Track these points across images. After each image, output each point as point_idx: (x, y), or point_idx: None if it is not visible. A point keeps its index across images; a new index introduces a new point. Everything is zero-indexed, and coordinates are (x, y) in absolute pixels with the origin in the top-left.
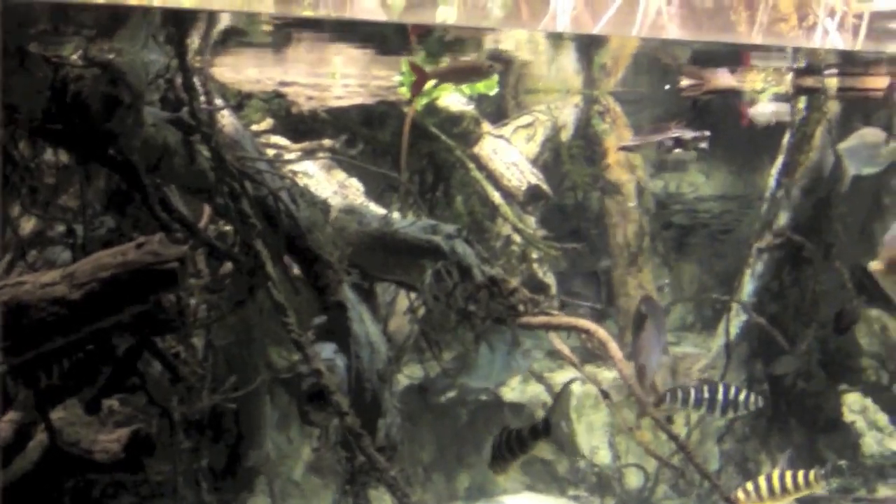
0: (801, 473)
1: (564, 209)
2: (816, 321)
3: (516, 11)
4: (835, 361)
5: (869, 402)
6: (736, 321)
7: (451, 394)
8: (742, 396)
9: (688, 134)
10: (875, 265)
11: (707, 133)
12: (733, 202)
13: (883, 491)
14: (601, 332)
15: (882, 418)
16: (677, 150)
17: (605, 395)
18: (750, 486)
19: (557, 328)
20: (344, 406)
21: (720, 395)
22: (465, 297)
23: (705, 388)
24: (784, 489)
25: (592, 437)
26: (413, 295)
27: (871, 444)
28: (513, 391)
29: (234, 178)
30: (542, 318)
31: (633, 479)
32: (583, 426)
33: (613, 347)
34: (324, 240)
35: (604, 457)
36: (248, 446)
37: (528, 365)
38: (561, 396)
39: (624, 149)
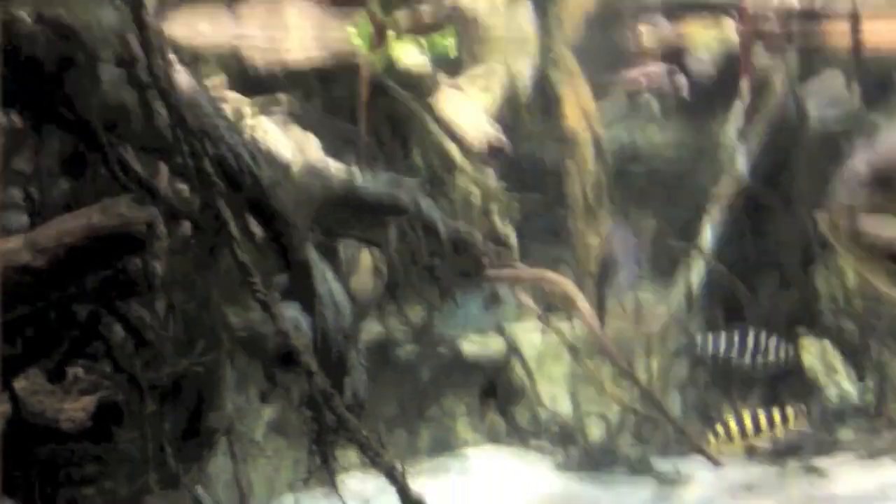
0: (776, 411)
1: (521, 161)
2: (777, 268)
3: None
4: (794, 308)
5: (827, 345)
6: (697, 269)
7: (412, 348)
8: (772, 342)
9: (665, 72)
10: (822, 219)
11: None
12: (687, 150)
13: (843, 433)
14: (568, 285)
15: (837, 361)
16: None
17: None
18: (720, 428)
19: (525, 281)
20: (313, 366)
21: (750, 342)
22: (431, 252)
23: (735, 333)
24: (758, 428)
25: (553, 387)
26: (377, 252)
27: (829, 387)
28: (473, 345)
29: (195, 136)
30: (508, 272)
31: (596, 430)
32: (544, 377)
33: (580, 299)
34: (286, 198)
35: (565, 407)
36: (208, 408)
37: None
38: None
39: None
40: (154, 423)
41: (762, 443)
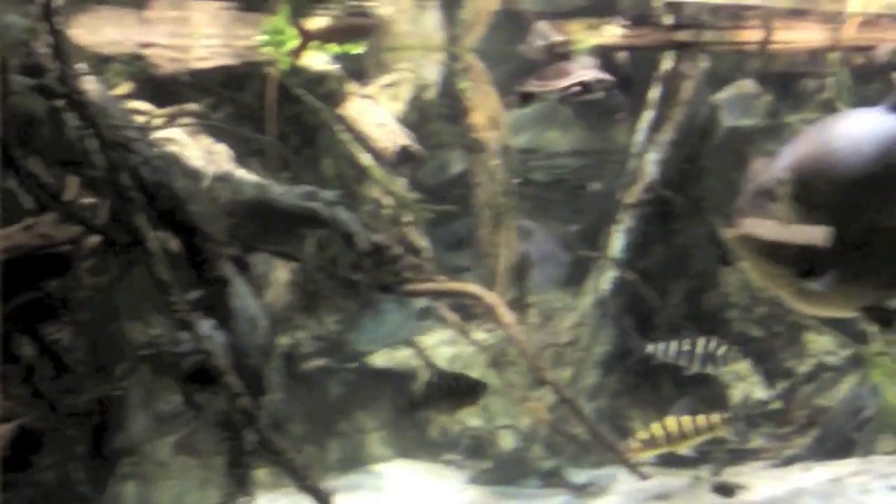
0: (701, 417)
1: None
2: (686, 275)
3: None
4: (702, 314)
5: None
6: (607, 277)
7: (321, 362)
8: (721, 350)
9: (593, 77)
10: (730, 232)
11: (611, 77)
12: (591, 157)
13: (754, 441)
14: (490, 296)
15: (744, 368)
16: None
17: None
18: (644, 433)
19: (445, 294)
20: (236, 387)
21: (699, 349)
22: (350, 265)
23: (685, 341)
24: (683, 434)
25: None
26: (293, 265)
27: (737, 395)
28: (381, 357)
29: (110, 147)
30: (428, 285)
31: (507, 441)
32: None
33: (503, 312)
34: (201, 211)
35: (477, 420)
36: (113, 429)
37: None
38: None
39: (525, 96)
40: (71, 449)
41: (686, 449)
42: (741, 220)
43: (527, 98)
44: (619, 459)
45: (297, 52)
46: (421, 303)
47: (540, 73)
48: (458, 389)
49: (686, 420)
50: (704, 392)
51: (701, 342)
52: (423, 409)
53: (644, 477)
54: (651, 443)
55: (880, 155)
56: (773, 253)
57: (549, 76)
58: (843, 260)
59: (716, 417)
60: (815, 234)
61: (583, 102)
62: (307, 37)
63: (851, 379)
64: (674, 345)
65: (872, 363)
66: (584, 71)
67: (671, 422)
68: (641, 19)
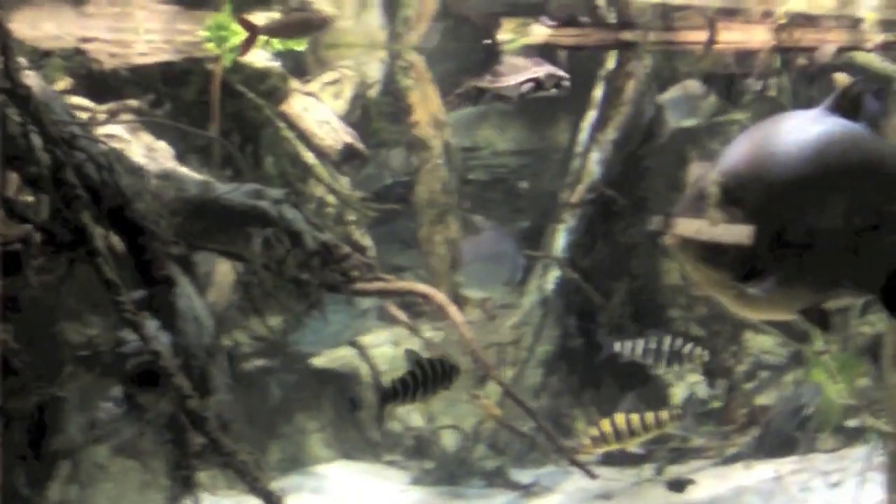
0: (650, 414)
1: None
2: (629, 274)
3: None
4: (645, 313)
5: None
6: (550, 276)
7: (259, 363)
8: (687, 349)
9: (545, 73)
10: (668, 240)
11: (566, 74)
12: (530, 156)
13: (695, 439)
14: (440, 295)
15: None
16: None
17: None
18: (594, 430)
19: (394, 294)
20: (186, 388)
21: (666, 347)
22: (298, 264)
23: (653, 339)
24: (632, 431)
25: None
26: (237, 264)
27: (678, 394)
28: (323, 358)
29: (55, 144)
30: (377, 284)
31: (450, 441)
32: None
33: (453, 311)
34: (147, 209)
35: (418, 419)
36: (51, 431)
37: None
38: None
39: (479, 92)
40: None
41: (635, 447)
42: (676, 224)
43: (480, 94)
44: (567, 458)
45: (244, 48)
46: (365, 303)
47: (493, 70)
48: (436, 375)
49: (634, 417)
50: (647, 391)
51: (667, 340)
52: (399, 402)
53: (593, 476)
54: (601, 440)
55: (817, 156)
56: (712, 257)
57: (503, 73)
58: (783, 263)
59: (665, 414)
60: (741, 233)
61: (533, 99)
62: (253, 32)
63: (792, 377)
64: (640, 343)
65: (813, 362)
66: (538, 67)
67: (620, 419)
68: (569, 19)
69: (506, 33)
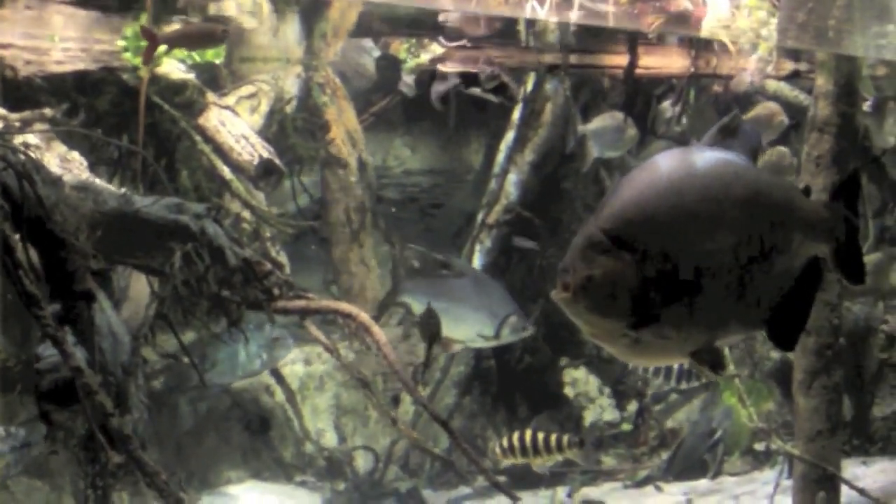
0: (553, 436)
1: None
2: (543, 296)
3: None
4: (558, 336)
5: (582, 373)
6: None
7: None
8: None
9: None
10: (558, 294)
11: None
12: (442, 176)
13: (606, 461)
14: (363, 315)
15: (594, 390)
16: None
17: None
18: (505, 441)
19: (317, 312)
20: (108, 405)
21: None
22: (218, 281)
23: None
24: (536, 450)
25: (318, 419)
26: (154, 279)
27: (590, 417)
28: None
29: None
30: (300, 303)
31: (363, 462)
32: (308, 408)
33: (377, 331)
34: (68, 222)
35: (330, 440)
36: None
37: (285, 354)
38: None
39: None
40: None
41: (539, 466)
42: (567, 277)
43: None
44: (489, 480)
45: (146, 58)
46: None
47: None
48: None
49: (540, 436)
50: (560, 413)
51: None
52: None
53: (515, 499)
54: (509, 451)
55: (700, 192)
56: (603, 306)
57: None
58: (674, 304)
59: (565, 439)
60: (632, 278)
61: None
62: (154, 41)
63: (701, 401)
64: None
65: (724, 385)
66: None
67: (527, 435)
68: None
69: (401, 52)
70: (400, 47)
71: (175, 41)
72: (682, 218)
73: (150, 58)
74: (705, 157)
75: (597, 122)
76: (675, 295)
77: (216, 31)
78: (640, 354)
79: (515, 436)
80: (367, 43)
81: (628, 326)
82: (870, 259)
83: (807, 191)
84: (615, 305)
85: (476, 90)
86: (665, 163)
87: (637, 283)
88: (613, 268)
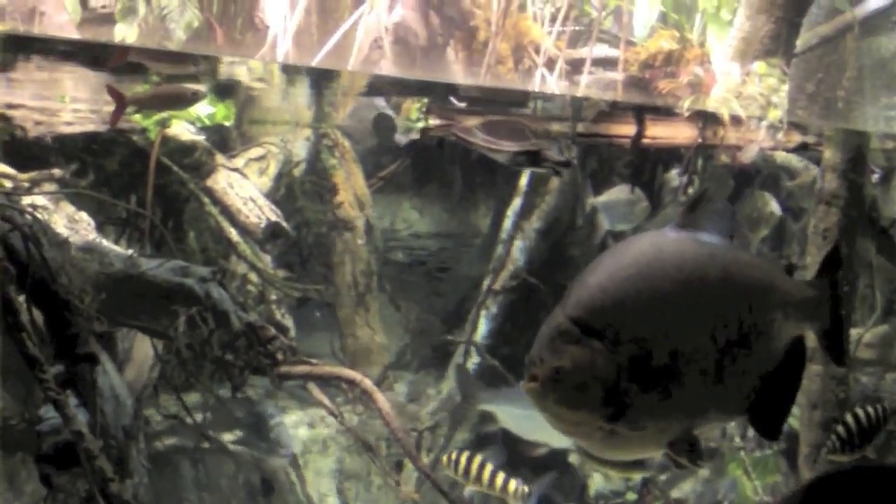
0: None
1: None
2: None
3: (210, 35)
4: None
5: None
6: (470, 363)
7: (171, 441)
8: None
9: (549, 151)
10: (526, 386)
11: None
12: (449, 240)
13: None
14: (366, 381)
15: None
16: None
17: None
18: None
19: (320, 378)
20: (108, 470)
21: None
22: (222, 345)
23: None
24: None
25: (320, 483)
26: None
27: (596, 484)
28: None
29: None
30: (303, 368)
31: None
32: (310, 472)
33: (380, 398)
34: (73, 283)
35: None
36: None
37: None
38: None
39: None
40: None
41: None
42: (535, 368)
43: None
44: None
45: (113, 119)
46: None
47: (490, 130)
48: None
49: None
50: (565, 481)
51: None
52: None
53: None
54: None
55: (674, 276)
56: (575, 398)
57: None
58: (650, 393)
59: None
60: (605, 367)
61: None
62: (122, 102)
63: (706, 472)
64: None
65: (729, 457)
66: (539, 141)
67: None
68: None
69: (412, 112)
70: (411, 107)
71: (144, 102)
72: (654, 302)
73: (117, 118)
74: (676, 237)
75: (608, 195)
76: (650, 383)
77: (186, 93)
78: (614, 447)
79: (464, 454)
80: (380, 101)
81: (602, 418)
82: (878, 331)
83: (790, 268)
84: (587, 397)
85: (541, 169)
86: (634, 246)
87: (609, 372)
88: (583, 357)
